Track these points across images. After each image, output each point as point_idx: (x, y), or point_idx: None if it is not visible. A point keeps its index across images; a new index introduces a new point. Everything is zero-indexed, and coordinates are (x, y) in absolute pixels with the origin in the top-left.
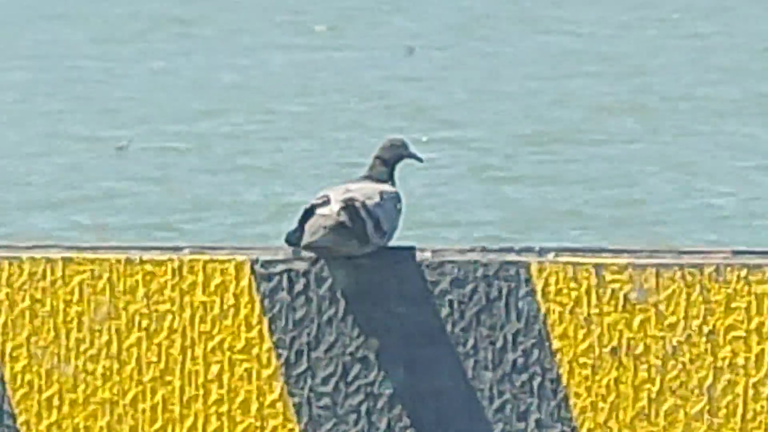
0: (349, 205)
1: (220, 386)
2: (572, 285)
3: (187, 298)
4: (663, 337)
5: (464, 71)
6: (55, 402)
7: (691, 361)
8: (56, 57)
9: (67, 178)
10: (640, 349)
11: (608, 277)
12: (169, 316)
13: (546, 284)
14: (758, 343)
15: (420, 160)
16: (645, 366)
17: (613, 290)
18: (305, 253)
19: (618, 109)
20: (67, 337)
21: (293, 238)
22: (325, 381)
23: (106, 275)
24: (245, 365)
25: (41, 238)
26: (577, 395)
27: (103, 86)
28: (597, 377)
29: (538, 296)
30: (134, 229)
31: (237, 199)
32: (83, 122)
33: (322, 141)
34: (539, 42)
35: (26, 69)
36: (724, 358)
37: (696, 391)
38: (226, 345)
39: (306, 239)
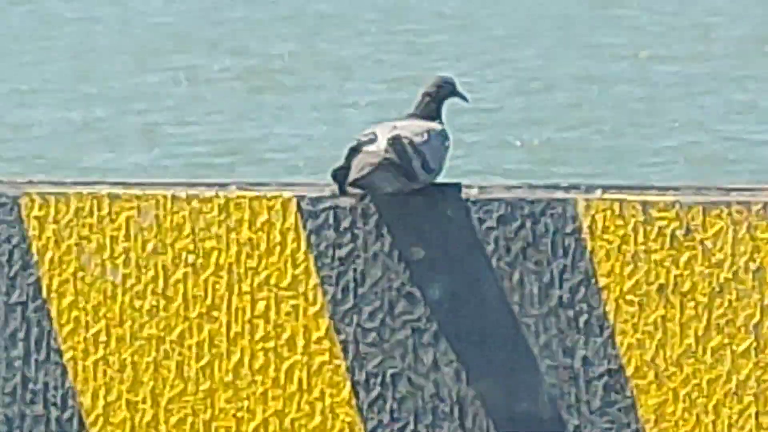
0: (396, 142)
1: (267, 322)
2: (618, 222)
3: (233, 235)
4: (710, 275)
5: None
6: (102, 338)
7: (738, 298)
8: None
9: None
10: (687, 286)
11: (655, 214)
12: (215, 253)
13: (593, 221)
14: None
15: (466, 100)
16: (692, 303)
17: (659, 228)
18: (352, 190)
19: None
20: (114, 274)
21: (340, 175)
22: (371, 317)
23: (152, 211)
24: (291, 302)
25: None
26: (624, 332)
27: None
28: (644, 315)
29: (585, 233)
30: None
31: None
32: None
33: None
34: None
35: None
36: None
37: (743, 329)
38: (272, 281)
39: (353, 176)
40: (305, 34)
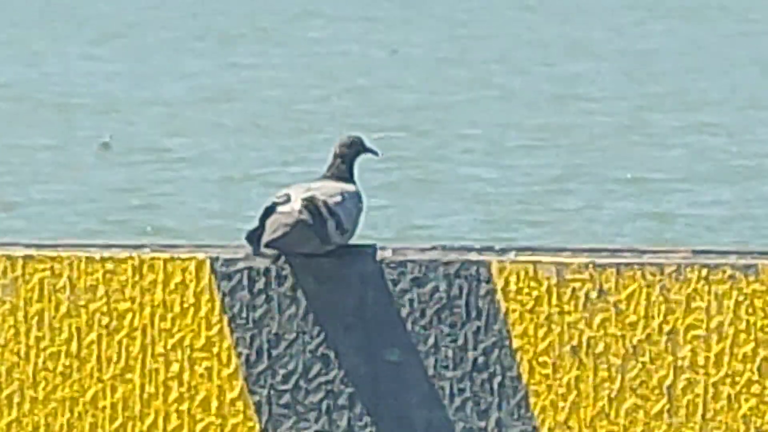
0: (310, 203)
1: (181, 384)
2: (532, 284)
3: (147, 297)
4: (623, 336)
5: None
6: (16, 399)
7: (652, 360)
8: None
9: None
10: (601, 348)
11: (568, 276)
12: (129, 314)
13: (506, 283)
14: (718, 343)
15: (376, 154)
16: (605, 365)
17: (573, 289)
18: (266, 251)
19: None
20: (27, 335)
21: (254, 236)
22: (285, 379)
23: (66, 273)
24: (205, 363)
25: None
26: (538, 394)
27: None
28: (557, 376)
29: (499, 295)
30: None
31: None
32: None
33: None
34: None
35: None
36: (684, 357)
37: (656, 391)
38: (186, 343)
39: (267, 237)
40: None
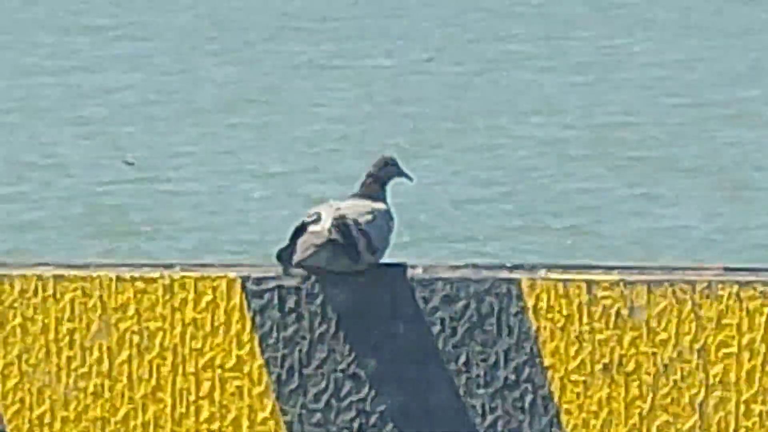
0: (340, 223)
1: (212, 403)
2: (563, 302)
3: (178, 315)
4: (654, 354)
5: None
6: (47, 419)
7: (683, 378)
8: None
9: None
10: (632, 365)
11: (599, 293)
12: (160, 334)
13: (537, 301)
14: (749, 360)
15: (411, 179)
16: (636, 383)
17: (604, 307)
18: (296, 271)
19: None
20: (59, 355)
21: (284, 255)
22: (316, 398)
23: (97, 293)
24: (236, 383)
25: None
26: (569, 412)
27: None
28: (588, 394)
29: (530, 313)
30: None
31: None
32: None
33: None
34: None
35: None
36: (715, 375)
37: (687, 408)
38: (217, 362)
39: (297, 256)
40: None
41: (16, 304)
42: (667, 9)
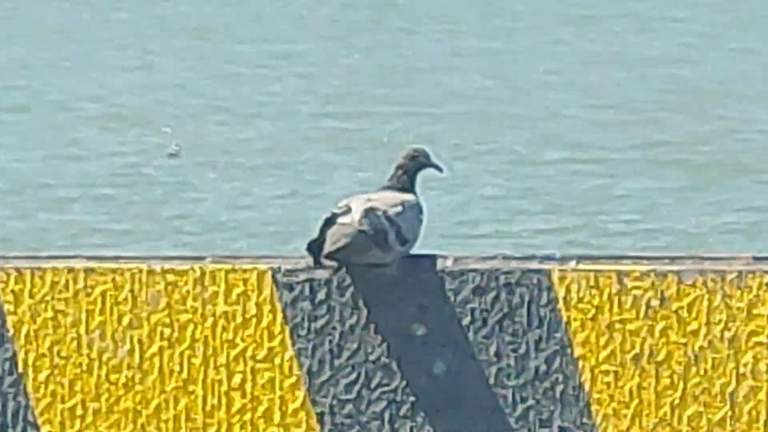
0: (370, 214)
1: (243, 395)
2: (593, 292)
3: (209, 308)
4: (685, 344)
5: None
6: (79, 412)
7: (714, 367)
8: None
9: None
10: (662, 355)
11: (630, 284)
12: (191, 326)
13: (567, 292)
14: None
15: (440, 170)
16: (667, 373)
17: (634, 297)
18: (327, 262)
19: None
20: (90, 347)
21: (315, 247)
22: (347, 389)
23: (127, 285)
24: (268, 374)
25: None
26: (600, 402)
27: None
28: (619, 384)
29: (560, 304)
30: None
31: None
32: None
33: None
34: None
35: None
36: (746, 364)
37: (718, 398)
38: (248, 354)
39: (327, 248)
40: None
41: (47, 298)
42: None
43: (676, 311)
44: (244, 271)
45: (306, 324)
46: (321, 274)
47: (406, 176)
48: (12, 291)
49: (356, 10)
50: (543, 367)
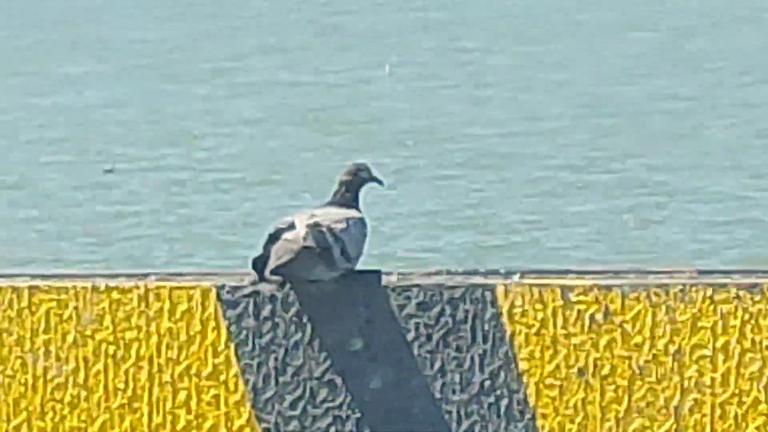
0: (315, 230)
1: (188, 412)
2: (538, 307)
3: (153, 325)
4: (629, 357)
5: None
6: (24, 430)
7: (658, 380)
8: None
9: None
10: (607, 369)
11: (574, 298)
12: (136, 343)
13: (512, 306)
14: (724, 362)
15: (382, 184)
16: (612, 386)
17: (578, 311)
18: (271, 278)
19: None
20: (34, 366)
21: (259, 263)
22: (293, 405)
23: (72, 303)
24: (213, 391)
25: None
26: (545, 416)
27: None
28: (564, 398)
29: (504, 318)
30: None
31: None
32: None
33: None
34: None
35: None
36: (690, 378)
37: (663, 411)
38: (193, 371)
39: (272, 263)
40: None
41: None
42: None
43: (620, 325)
44: (188, 288)
45: (251, 340)
46: (265, 290)
47: (350, 192)
48: None
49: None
50: (488, 382)
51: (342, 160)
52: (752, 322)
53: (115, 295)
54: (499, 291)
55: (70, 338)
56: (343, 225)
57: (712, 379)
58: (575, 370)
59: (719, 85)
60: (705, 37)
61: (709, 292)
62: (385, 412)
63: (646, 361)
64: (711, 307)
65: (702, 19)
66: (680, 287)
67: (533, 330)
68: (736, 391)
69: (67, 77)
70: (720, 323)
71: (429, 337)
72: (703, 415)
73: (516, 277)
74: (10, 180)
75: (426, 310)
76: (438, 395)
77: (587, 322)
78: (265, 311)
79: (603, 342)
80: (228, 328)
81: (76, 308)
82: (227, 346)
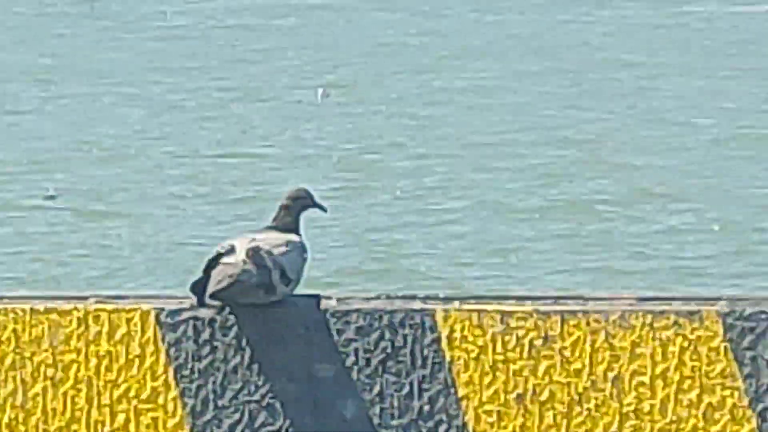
0: (254, 254)
1: None
2: (477, 332)
3: (92, 348)
4: (568, 384)
5: None
6: None
7: (597, 407)
8: None
9: None
10: (546, 395)
11: (513, 323)
12: (75, 366)
13: (451, 331)
14: (663, 389)
15: (324, 210)
16: (551, 412)
17: (518, 336)
18: (211, 302)
19: None
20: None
21: (198, 287)
22: (231, 429)
23: (10, 325)
24: (151, 414)
25: None
26: None
27: None
28: (503, 424)
29: (444, 343)
30: None
31: None
32: None
33: None
34: None
35: None
36: (629, 404)
37: None
38: (131, 394)
39: (211, 288)
40: None
41: None
42: None
43: (559, 351)
44: (128, 311)
45: (190, 364)
46: (205, 313)
47: (290, 217)
48: None
49: None
50: (426, 407)
51: None
52: (691, 348)
53: (53, 317)
54: (439, 316)
55: (8, 360)
56: (283, 249)
57: (651, 406)
58: (514, 395)
59: None
60: None
61: (648, 319)
62: None
63: (585, 388)
64: (650, 334)
65: None
66: (619, 313)
67: (472, 355)
68: (674, 418)
69: None
70: (659, 350)
71: (368, 362)
72: None
73: (455, 303)
74: None
75: (365, 335)
76: (377, 420)
77: (526, 348)
78: (205, 335)
79: (542, 368)
80: (167, 352)
81: (14, 331)
82: (166, 370)
